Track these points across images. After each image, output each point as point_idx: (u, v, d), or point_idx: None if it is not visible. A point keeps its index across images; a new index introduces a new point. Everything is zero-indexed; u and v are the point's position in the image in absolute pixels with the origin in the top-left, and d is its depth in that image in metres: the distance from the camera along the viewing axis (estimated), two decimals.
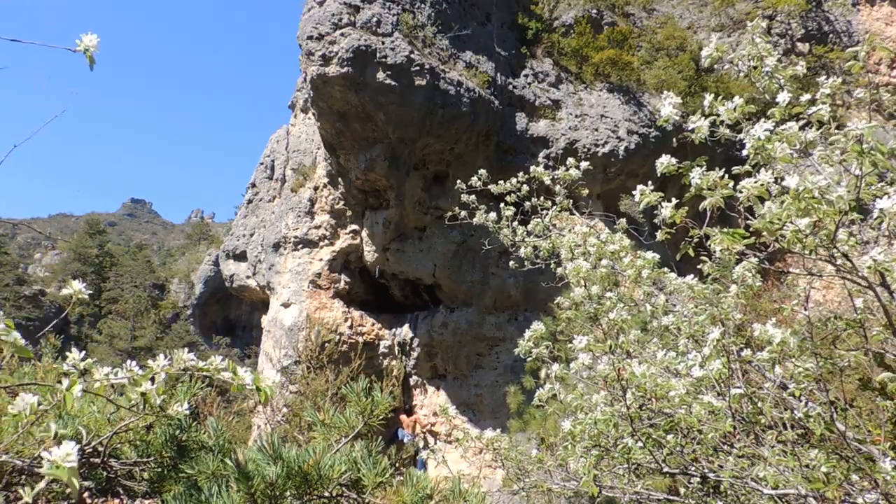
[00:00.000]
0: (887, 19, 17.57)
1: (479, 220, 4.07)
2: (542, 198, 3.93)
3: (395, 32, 11.88)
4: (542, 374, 2.86)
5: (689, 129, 2.14)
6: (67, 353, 1.67)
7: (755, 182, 1.94)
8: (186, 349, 1.77)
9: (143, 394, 1.70)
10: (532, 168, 3.85)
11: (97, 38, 1.66)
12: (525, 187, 4.05)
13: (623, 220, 3.18)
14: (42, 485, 1.64)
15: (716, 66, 2.37)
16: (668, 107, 2.16)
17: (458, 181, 4.60)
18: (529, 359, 3.04)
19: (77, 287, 1.77)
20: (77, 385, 1.58)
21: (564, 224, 3.72)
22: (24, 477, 2.21)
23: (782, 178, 1.89)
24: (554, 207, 3.78)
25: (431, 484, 1.86)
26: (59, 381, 1.60)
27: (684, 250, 2.43)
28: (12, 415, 1.46)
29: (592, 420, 2.61)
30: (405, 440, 13.22)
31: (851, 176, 1.80)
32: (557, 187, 3.73)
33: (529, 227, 3.73)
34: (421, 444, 14.08)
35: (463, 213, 4.25)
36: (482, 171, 4.29)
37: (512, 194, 4.09)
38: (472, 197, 4.22)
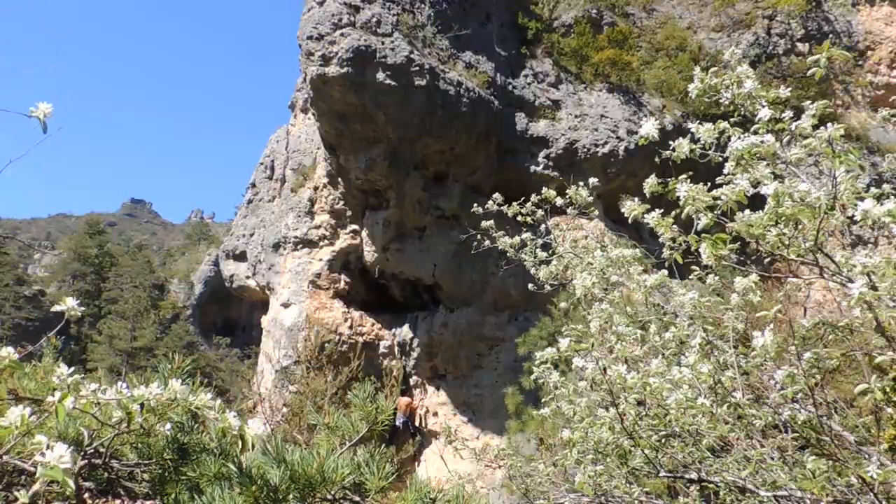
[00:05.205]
0: (887, 19, 17.56)
1: (502, 245, 4.11)
2: (553, 219, 4.01)
3: (394, 32, 11.89)
4: (541, 382, 2.88)
5: (671, 147, 2.17)
6: (57, 367, 1.73)
7: (733, 188, 1.95)
8: (179, 385, 1.80)
9: (128, 413, 1.76)
10: (544, 189, 3.96)
11: (51, 107, 1.78)
12: (540, 212, 4.10)
13: (637, 251, 3.21)
14: (37, 486, 1.67)
15: (713, 67, 2.38)
16: (648, 126, 2.19)
17: (476, 205, 4.68)
18: (528, 363, 3.05)
19: (70, 303, 1.81)
20: (68, 398, 1.65)
21: (578, 238, 3.77)
22: (24, 477, 2.22)
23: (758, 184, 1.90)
24: (567, 231, 3.87)
25: (434, 487, 1.87)
26: (52, 393, 1.66)
27: (672, 258, 2.46)
28: (3, 427, 1.50)
29: (589, 424, 2.63)
30: (397, 423, 13.29)
31: (829, 178, 1.81)
32: (569, 209, 3.79)
33: (552, 258, 3.78)
34: (419, 440, 14.09)
35: (486, 242, 4.31)
36: (497, 195, 4.36)
37: (527, 217, 4.15)
38: (491, 221, 4.28)
